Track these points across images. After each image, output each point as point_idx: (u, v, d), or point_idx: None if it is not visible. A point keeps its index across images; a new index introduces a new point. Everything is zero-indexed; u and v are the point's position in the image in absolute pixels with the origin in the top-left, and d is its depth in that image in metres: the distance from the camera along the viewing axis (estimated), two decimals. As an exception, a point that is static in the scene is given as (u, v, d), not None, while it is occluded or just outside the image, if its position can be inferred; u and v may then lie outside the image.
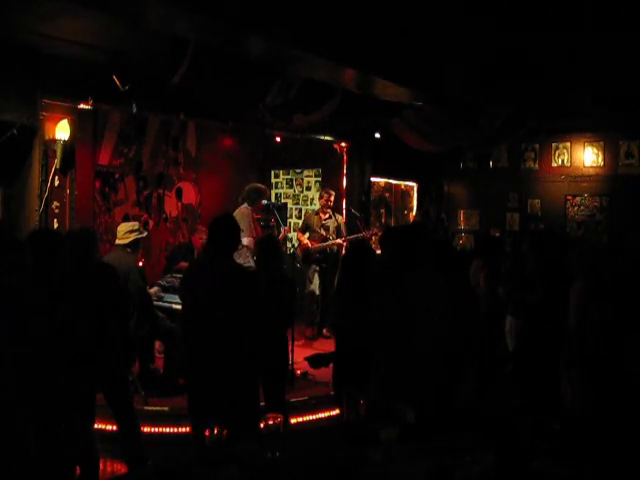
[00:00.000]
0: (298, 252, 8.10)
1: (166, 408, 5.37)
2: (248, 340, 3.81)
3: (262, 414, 2.74)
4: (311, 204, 9.78)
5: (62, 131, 5.88)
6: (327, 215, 8.22)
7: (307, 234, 8.22)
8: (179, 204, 8.91)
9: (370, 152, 9.28)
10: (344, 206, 9.07)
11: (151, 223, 8.43)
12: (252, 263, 6.56)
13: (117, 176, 8.08)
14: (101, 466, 4.18)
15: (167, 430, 5.14)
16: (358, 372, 3.98)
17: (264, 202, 7.28)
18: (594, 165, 9.64)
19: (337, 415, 4.99)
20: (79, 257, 4.12)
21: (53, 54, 5.51)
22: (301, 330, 7.78)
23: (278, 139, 8.50)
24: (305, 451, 2.88)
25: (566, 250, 5.05)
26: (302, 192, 9.99)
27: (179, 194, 8.90)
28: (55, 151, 5.87)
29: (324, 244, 8.07)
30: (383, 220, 10.16)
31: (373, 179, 9.72)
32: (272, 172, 10.21)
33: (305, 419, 5.58)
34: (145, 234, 5.76)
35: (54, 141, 5.86)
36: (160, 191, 8.62)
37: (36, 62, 5.53)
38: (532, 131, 9.01)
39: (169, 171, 8.71)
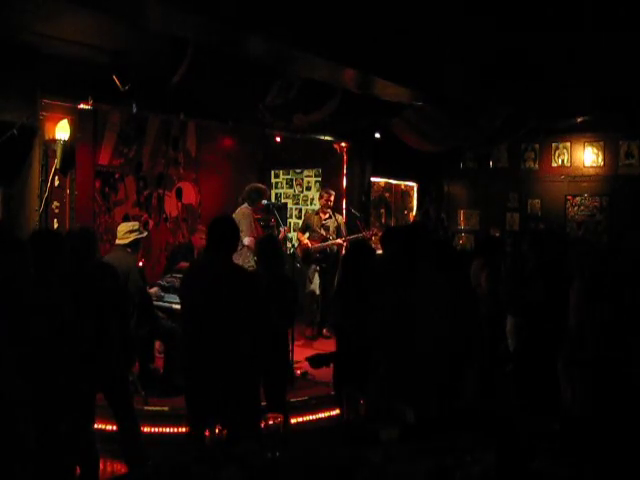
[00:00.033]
0: (298, 252, 8.11)
1: (166, 408, 5.37)
2: (248, 340, 3.81)
3: (262, 414, 2.74)
4: (311, 204, 9.78)
5: (62, 131, 5.88)
6: (327, 215, 8.22)
7: (307, 234, 8.22)
8: (179, 204, 8.92)
9: (370, 152, 9.27)
10: (344, 206, 9.07)
11: (151, 223, 8.43)
12: (253, 263, 6.57)
13: (117, 176, 8.09)
14: (101, 466, 4.17)
15: (167, 430, 5.14)
16: (359, 372, 3.98)
17: (264, 202, 7.28)
18: (594, 165, 9.64)
19: (337, 415, 4.99)
20: (79, 257, 4.12)
21: (53, 54, 5.50)
22: (301, 330, 7.78)
23: (278, 139, 8.50)
24: (305, 451, 2.88)
25: (566, 250, 5.05)
26: (302, 192, 9.99)
27: (179, 194, 8.90)
28: (55, 151, 5.87)
29: (324, 244, 8.07)
30: (383, 220, 10.16)
31: (373, 179, 9.72)
32: (272, 172, 10.21)
33: (305, 419, 5.58)
34: (145, 234, 5.76)
35: (54, 141, 5.86)
36: (160, 191, 8.62)
37: (36, 62, 5.52)
38: (532, 131, 9.00)
39: (169, 171, 8.71)
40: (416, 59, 6.30)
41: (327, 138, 8.73)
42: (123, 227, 5.57)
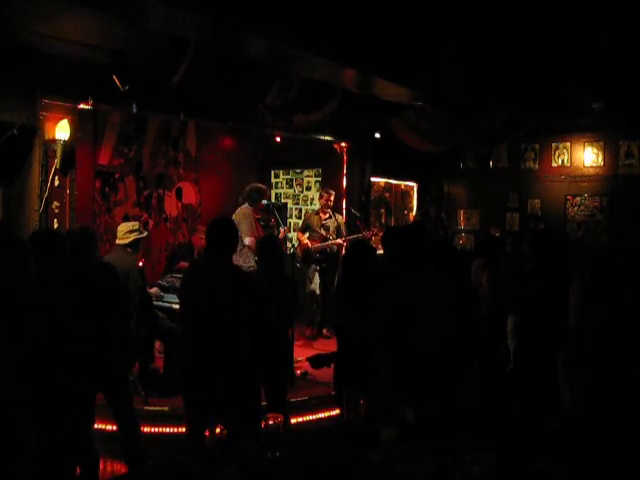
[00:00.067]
0: (298, 252, 8.11)
1: (166, 408, 5.37)
2: (248, 340, 3.81)
3: (262, 414, 2.74)
4: (311, 204, 9.78)
5: (62, 131, 5.88)
6: (327, 215, 8.22)
7: (307, 234, 8.22)
8: (179, 204, 8.91)
9: (370, 152, 9.28)
10: (344, 206, 9.07)
11: (151, 223, 8.43)
12: (253, 263, 6.56)
13: (117, 176, 8.08)
14: (101, 466, 4.17)
15: (167, 430, 5.14)
16: (359, 372, 3.99)
17: (264, 202, 7.28)
18: (594, 165, 9.64)
19: (337, 415, 4.99)
20: (79, 257, 4.12)
21: (53, 54, 5.50)
22: (301, 330, 7.78)
23: (278, 139, 8.50)
24: (305, 451, 2.88)
25: (566, 250, 5.06)
26: (302, 192, 9.99)
27: (179, 194, 8.90)
28: (55, 151, 5.87)
29: (324, 244, 8.07)
30: (383, 220, 10.16)
31: (373, 179, 9.72)
32: (272, 172, 10.21)
33: (305, 419, 5.58)
34: (145, 234, 5.76)
35: (54, 141, 5.86)
36: (160, 191, 8.62)
37: (36, 62, 5.52)
38: (532, 131, 9.01)
39: (169, 171, 8.71)
40: (416, 59, 6.30)
41: (327, 138, 8.73)
42: (123, 227, 5.57)
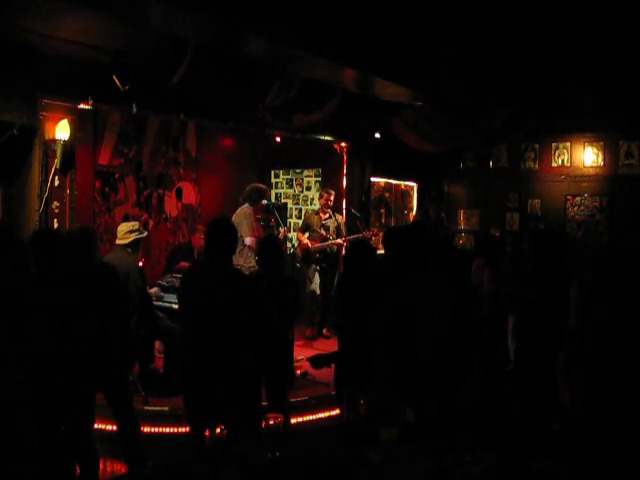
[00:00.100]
0: (298, 252, 8.11)
1: (166, 408, 5.36)
2: (248, 340, 3.81)
3: (262, 414, 2.74)
4: (311, 204, 9.78)
5: (62, 131, 5.88)
6: (327, 215, 8.22)
7: (307, 234, 8.22)
8: (179, 204, 8.91)
9: (370, 152, 9.27)
10: (344, 206, 9.06)
11: (151, 223, 8.43)
12: (254, 263, 6.56)
13: (117, 176, 8.08)
14: (101, 466, 4.17)
15: (167, 430, 5.14)
16: (359, 372, 3.98)
17: (264, 202, 7.28)
18: (594, 165, 9.64)
19: (337, 415, 4.99)
20: (79, 257, 4.12)
21: (53, 54, 5.50)
22: (301, 330, 7.78)
23: (278, 139, 8.50)
24: (305, 451, 2.88)
25: (566, 250, 5.06)
26: (302, 192, 9.99)
27: (179, 194, 8.90)
28: (55, 151, 5.87)
29: (324, 244, 8.07)
30: (383, 220, 10.16)
31: (373, 179, 9.71)
32: (272, 172, 10.21)
33: (305, 419, 5.58)
34: (145, 234, 5.76)
35: (54, 141, 5.86)
36: (160, 191, 8.62)
37: (36, 62, 5.52)
38: (532, 131, 9.01)
39: (169, 171, 8.71)
40: (416, 59, 6.30)
41: (327, 138, 8.73)
42: (123, 227, 5.57)
